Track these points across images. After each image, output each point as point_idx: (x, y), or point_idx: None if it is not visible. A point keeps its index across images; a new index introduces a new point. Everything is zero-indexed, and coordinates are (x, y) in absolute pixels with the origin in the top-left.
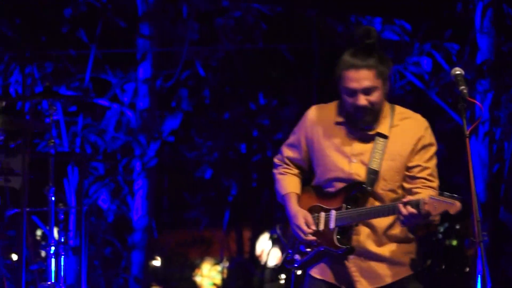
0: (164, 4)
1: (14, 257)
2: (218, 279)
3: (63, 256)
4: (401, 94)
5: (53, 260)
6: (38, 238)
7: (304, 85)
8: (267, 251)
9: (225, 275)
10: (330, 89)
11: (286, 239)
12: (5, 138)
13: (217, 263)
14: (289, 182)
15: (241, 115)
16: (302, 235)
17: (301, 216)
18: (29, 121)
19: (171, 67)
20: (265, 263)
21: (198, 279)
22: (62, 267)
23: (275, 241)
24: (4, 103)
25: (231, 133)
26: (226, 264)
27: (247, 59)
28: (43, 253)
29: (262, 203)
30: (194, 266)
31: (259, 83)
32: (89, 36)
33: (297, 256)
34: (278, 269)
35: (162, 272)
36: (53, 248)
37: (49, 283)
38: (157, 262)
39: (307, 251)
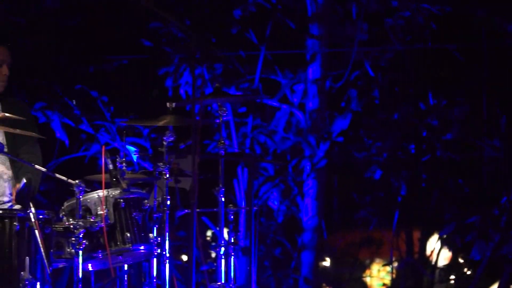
0: (333, 5)
1: (184, 258)
2: (387, 280)
3: (233, 257)
4: None
5: (223, 261)
6: (208, 239)
7: (473, 85)
8: (437, 251)
9: (394, 276)
10: (500, 88)
11: None
12: (175, 139)
13: (387, 263)
14: None
15: (410, 115)
16: None
17: None
18: (199, 122)
19: (340, 68)
20: (435, 263)
21: (367, 279)
22: (232, 267)
23: (444, 241)
24: (174, 105)
25: (400, 133)
26: (396, 264)
27: (416, 59)
28: (213, 254)
29: (431, 203)
30: (364, 267)
31: (428, 83)
32: (258, 37)
33: None
34: (448, 270)
35: (332, 273)
36: (223, 248)
37: (219, 283)
38: (326, 263)
39: None
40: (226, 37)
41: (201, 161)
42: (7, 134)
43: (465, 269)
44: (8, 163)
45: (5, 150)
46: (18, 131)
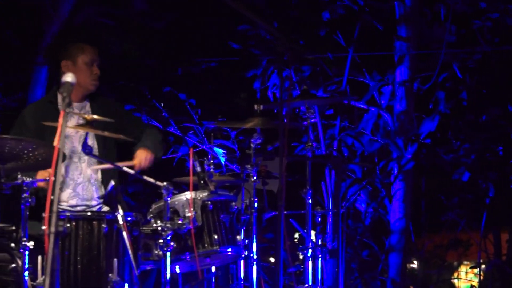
0: (421, 7)
1: (272, 259)
2: (475, 282)
3: (320, 259)
4: None
5: (310, 263)
6: (296, 241)
7: None
8: None
9: (482, 278)
10: None
11: None
12: (263, 142)
13: (475, 265)
14: None
15: (498, 117)
16: None
17: None
18: (287, 124)
19: (428, 70)
20: None
21: (455, 281)
22: (319, 269)
23: None
24: (261, 107)
25: (488, 135)
26: (483, 266)
27: (504, 60)
28: (300, 256)
29: None
30: (452, 269)
31: None
32: (346, 39)
33: None
34: None
35: (419, 275)
36: (310, 250)
37: (306, 285)
38: (414, 265)
39: None
40: (314, 39)
41: (289, 163)
42: (97, 137)
43: None
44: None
45: (95, 153)
46: (106, 133)
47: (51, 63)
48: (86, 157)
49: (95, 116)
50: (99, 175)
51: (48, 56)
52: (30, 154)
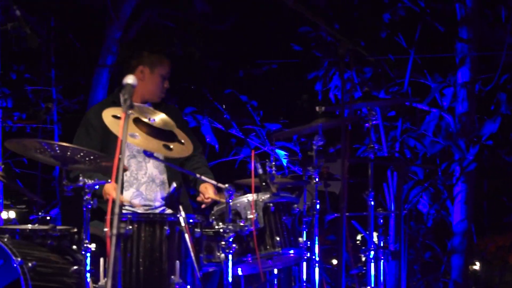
0: (482, 8)
1: (334, 261)
2: None
3: (382, 261)
4: None
5: (372, 265)
6: (358, 242)
7: None
8: None
9: None
10: None
11: None
12: (325, 143)
13: None
14: None
15: None
16: None
17: None
18: (348, 126)
19: (489, 71)
20: None
21: None
22: (381, 271)
23: None
24: (323, 109)
25: None
26: None
27: None
28: (363, 258)
29: None
30: None
31: None
32: (407, 40)
33: None
34: None
35: (482, 276)
36: (372, 252)
37: (368, 287)
38: (476, 266)
39: None
40: (376, 41)
41: (351, 165)
42: None
43: None
44: (161, 168)
45: (156, 155)
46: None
47: (124, 62)
48: None
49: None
50: (164, 175)
51: (122, 55)
52: (93, 161)
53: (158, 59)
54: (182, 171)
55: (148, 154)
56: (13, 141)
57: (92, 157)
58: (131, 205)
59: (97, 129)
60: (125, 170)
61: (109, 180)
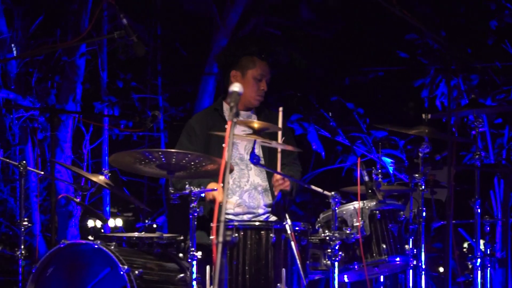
0: None
1: (441, 269)
2: None
3: (489, 268)
4: None
5: (479, 273)
6: (465, 250)
7: None
8: None
9: None
10: None
11: None
12: (431, 151)
13: None
14: None
15: None
16: None
17: None
18: (455, 133)
19: None
20: None
21: None
22: (488, 279)
23: None
24: (429, 116)
25: None
26: None
27: None
28: (469, 265)
29: None
30: None
31: None
32: None
33: None
34: None
35: None
36: (479, 260)
37: None
38: None
39: None
40: (482, 48)
41: (457, 172)
42: (263, 147)
43: None
44: (263, 175)
45: (262, 162)
46: (274, 143)
47: (221, 70)
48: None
49: (263, 125)
50: (267, 183)
51: (219, 63)
52: (198, 166)
53: (250, 61)
54: (288, 178)
55: (255, 162)
56: (118, 155)
57: (197, 161)
58: (235, 213)
59: (199, 136)
60: (231, 170)
61: (215, 188)
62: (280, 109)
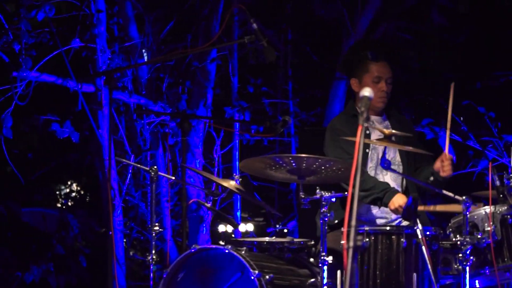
0: None
1: None
2: None
3: None
4: None
5: None
6: None
7: None
8: None
9: None
10: None
11: None
12: None
13: None
14: None
15: None
16: None
17: None
18: None
19: None
20: None
21: None
22: None
23: None
24: None
25: None
26: None
27: None
28: None
29: None
30: None
31: None
32: None
33: None
34: None
35: None
36: None
37: None
38: None
39: None
40: None
41: None
42: (401, 152)
43: None
44: (399, 180)
45: (396, 167)
46: (410, 148)
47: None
48: None
49: (394, 131)
50: (402, 188)
51: (340, 72)
52: (329, 170)
53: (362, 67)
54: (419, 183)
55: (386, 167)
56: (248, 161)
57: (327, 165)
58: (368, 219)
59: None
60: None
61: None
62: (452, 84)
